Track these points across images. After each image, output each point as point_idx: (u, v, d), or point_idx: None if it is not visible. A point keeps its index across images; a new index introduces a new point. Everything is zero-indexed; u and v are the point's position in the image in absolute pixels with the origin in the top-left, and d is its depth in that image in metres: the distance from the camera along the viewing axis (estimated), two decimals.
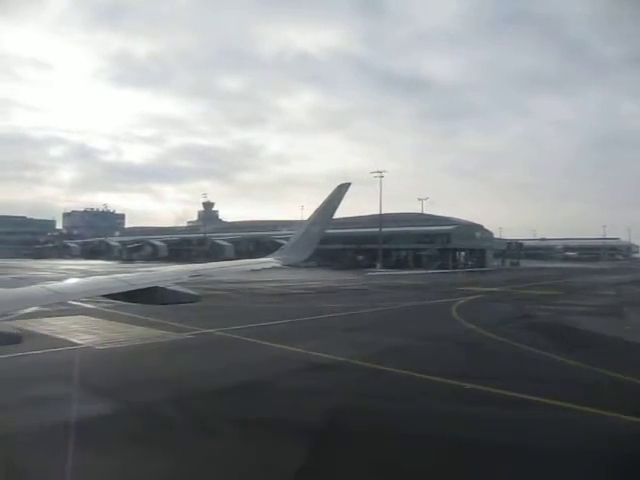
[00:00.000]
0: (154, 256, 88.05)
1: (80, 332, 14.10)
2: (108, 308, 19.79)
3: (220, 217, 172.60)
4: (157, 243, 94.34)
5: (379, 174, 68.50)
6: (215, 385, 9.15)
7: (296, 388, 9.02)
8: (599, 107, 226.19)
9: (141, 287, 4.07)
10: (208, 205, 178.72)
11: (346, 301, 25.08)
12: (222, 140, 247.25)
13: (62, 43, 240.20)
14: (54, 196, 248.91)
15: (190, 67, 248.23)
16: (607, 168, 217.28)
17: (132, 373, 9.94)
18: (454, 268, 68.79)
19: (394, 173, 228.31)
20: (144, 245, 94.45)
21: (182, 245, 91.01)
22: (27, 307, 3.98)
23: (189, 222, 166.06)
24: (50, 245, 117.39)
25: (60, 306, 18.20)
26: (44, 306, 12.70)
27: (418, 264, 69.19)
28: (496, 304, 24.70)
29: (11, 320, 5.95)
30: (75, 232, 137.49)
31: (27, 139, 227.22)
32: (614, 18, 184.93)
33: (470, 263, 76.32)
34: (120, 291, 3.98)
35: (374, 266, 67.81)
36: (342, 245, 74.00)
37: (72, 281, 4.41)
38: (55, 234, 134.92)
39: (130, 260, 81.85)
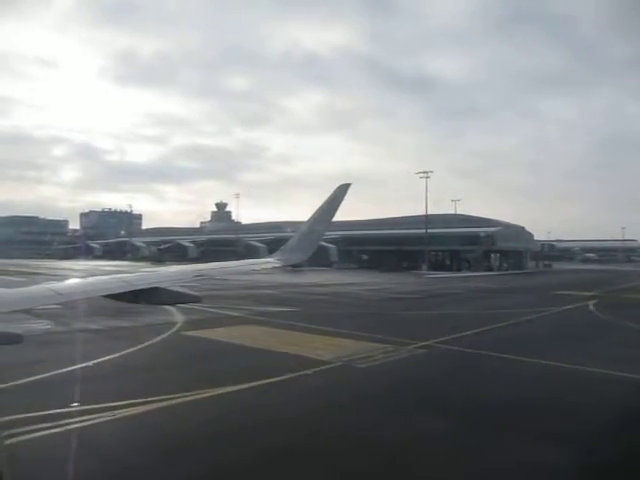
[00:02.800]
0: (184, 257, 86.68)
1: (300, 346, 12.85)
2: (252, 315, 18.80)
3: (233, 217, 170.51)
4: (186, 244, 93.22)
5: (425, 174, 67.35)
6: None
7: None
8: (611, 107, 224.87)
9: (142, 287, 4.02)
10: (221, 206, 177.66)
11: (479, 307, 23.75)
12: (226, 140, 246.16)
13: (67, 41, 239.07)
14: (56, 196, 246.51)
15: (196, 66, 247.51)
16: (616, 169, 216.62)
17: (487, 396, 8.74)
18: (491, 270, 67.84)
19: (398, 174, 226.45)
20: (174, 246, 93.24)
21: (211, 246, 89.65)
22: (28, 307, 3.80)
23: (202, 223, 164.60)
24: (70, 246, 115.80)
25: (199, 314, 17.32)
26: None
27: (458, 266, 68.10)
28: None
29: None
30: (92, 232, 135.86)
31: (30, 138, 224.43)
32: (623, 18, 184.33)
33: (505, 265, 75.29)
34: (121, 291, 3.92)
35: (415, 268, 66.61)
36: (381, 247, 72.93)
37: (73, 281, 4.36)
38: (77, 234, 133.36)
39: (161, 261, 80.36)
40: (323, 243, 77.78)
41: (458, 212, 75.88)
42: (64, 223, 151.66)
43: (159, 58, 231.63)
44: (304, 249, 6.05)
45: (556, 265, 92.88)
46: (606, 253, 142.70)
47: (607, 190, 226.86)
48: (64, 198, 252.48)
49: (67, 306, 19.32)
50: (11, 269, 49.74)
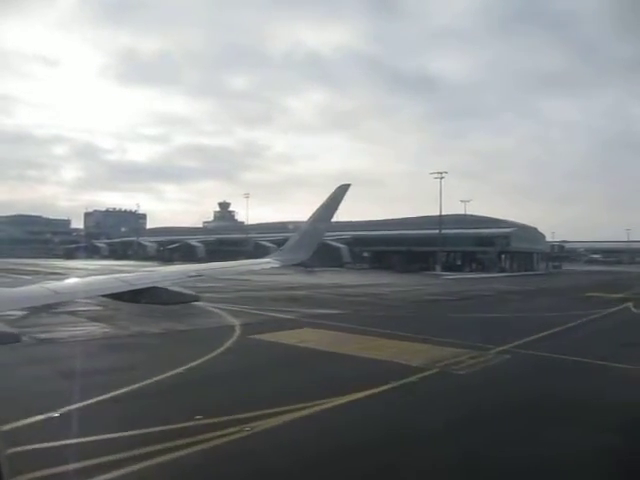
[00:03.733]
0: (192, 257, 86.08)
1: (380, 351, 12.42)
2: (303, 317, 18.39)
3: (236, 217, 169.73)
4: (194, 243, 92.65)
5: (439, 175, 66.95)
6: None
7: None
8: (614, 108, 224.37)
9: (141, 287, 3.98)
10: (224, 205, 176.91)
11: (521, 310, 23.34)
12: (228, 139, 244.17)
13: (69, 40, 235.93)
14: (56, 195, 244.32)
15: (198, 65, 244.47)
16: (621, 170, 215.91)
17: None
18: (504, 271, 67.44)
19: (400, 174, 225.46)
20: (182, 245, 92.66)
21: (219, 245, 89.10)
22: (26, 306, 3.82)
23: (205, 222, 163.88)
24: (76, 245, 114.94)
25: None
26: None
27: (471, 267, 67.75)
28: None
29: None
30: (96, 232, 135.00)
31: (31, 137, 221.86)
32: (626, 19, 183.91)
33: (515, 266, 74.98)
34: (120, 291, 3.91)
35: (426, 269, 66.18)
36: (393, 247, 72.52)
37: (71, 281, 4.32)
38: (82, 234, 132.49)
39: (170, 261, 79.82)
40: (334, 243, 77.43)
41: (458, 212, 75.07)
42: (67, 222, 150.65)
43: (161, 57, 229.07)
44: (304, 249, 6.00)
45: (563, 266, 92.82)
46: (611, 254, 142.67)
47: (611, 191, 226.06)
48: (64, 197, 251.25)
49: (107, 307, 19.02)
50: (28, 269, 49.15)
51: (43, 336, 13.55)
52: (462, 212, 74.62)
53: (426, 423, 7.40)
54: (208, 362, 10.71)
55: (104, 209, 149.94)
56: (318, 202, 6.15)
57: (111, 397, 7.98)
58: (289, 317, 18.51)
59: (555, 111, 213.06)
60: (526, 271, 71.79)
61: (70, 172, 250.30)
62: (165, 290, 4.10)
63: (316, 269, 66.33)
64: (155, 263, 74.52)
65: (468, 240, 68.18)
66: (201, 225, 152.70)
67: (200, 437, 6.36)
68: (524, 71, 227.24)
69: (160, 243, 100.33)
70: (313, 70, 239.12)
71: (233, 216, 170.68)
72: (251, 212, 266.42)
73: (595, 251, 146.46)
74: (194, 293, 4.43)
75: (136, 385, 8.63)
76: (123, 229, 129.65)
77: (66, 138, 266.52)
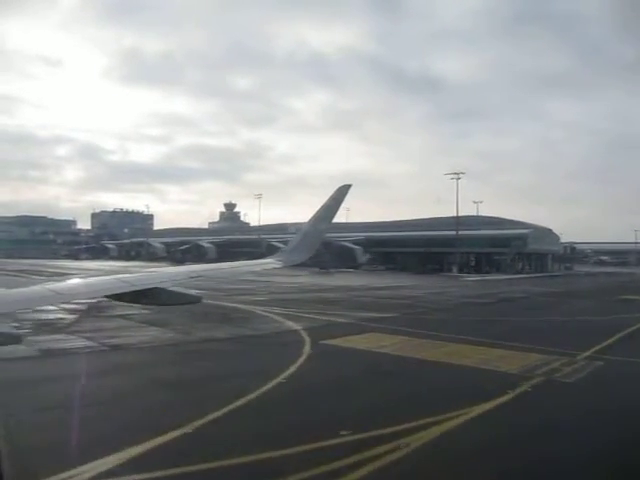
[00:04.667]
0: (202, 257, 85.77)
1: (466, 358, 12.04)
2: (358, 321, 17.99)
3: (242, 218, 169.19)
4: (205, 244, 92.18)
5: (456, 175, 66.49)
6: None
7: None
8: (618, 109, 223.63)
9: (142, 288, 3.97)
10: (230, 206, 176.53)
11: (568, 313, 22.92)
12: (230, 140, 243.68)
13: (71, 40, 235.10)
14: (59, 196, 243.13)
15: (201, 66, 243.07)
16: (626, 171, 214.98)
17: None
18: (520, 273, 66.97)
19: (403, 175, 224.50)
20: (192, 246, 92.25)
21: (230, 246, 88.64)
22: (28, 307, 3.97)
23: (210, 223, 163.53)
24: (85, 246, 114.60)
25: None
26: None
27: (488, 268, 67.25)
28: None
29: None
30: (103, 232, 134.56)
31: (33, 138, 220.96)
32: (629, 20, 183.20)
33: (528, 268, 74.50)
34: (121, 291, 3.89)
35: (441, 270, 65.81)
36: (408, 249, 72.08)
37: (73, 281, 4.29)
38: (90, 234, 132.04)
39: (182, 262, 79.49)
40: (349, 245, 77.08)
41: (465, 214, 74.41)
42: (72, 223, 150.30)
43: (164, 57, 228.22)
44: (305, 250, 6.03)
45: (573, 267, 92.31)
46: (619, 256, 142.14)
47: (618, 192, 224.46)
48: (66, 198, 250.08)
49: (151, 310, 18.61)
50: (43, 270, 48.76)
51: (113, 342, 13.18)
52: (468, 213, 74.02)
53: (600, 436, 6.97)
54: (302, 371, 10.30)
55: (111, 210, 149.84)
56: (320, 202, 6.21)
57: (230, 410, 7.56)
58: (344, 321, 18.09)
59: (559, 112, 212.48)
60: (540, 272, 71.34)
61: (72, 173, 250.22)
62: (166, 291, 4.09)
63: (331, 270, 66.23)
64: (166, 264, 74.26)
65: (485, 241, 67.60)
66: (207, 226, 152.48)
67: (360, 456, 5.96)
68: (528, 72, 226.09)
69: (169, 244, 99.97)
70: (316, 70, 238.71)
71: (239, 217, 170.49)
72: (255, 213, 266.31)
73: (602, 252, 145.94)
74: (196, 294, 4.45)
75: (250, 396, 8.23)
76: (127, 230, 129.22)
77: (68, 138, 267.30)
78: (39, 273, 42.29)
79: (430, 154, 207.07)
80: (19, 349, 12.00)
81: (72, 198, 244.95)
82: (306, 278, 48.96)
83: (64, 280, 4.33)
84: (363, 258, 73.10)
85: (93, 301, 17.90)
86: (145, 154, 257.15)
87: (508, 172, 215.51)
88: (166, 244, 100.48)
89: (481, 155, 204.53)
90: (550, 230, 76.08)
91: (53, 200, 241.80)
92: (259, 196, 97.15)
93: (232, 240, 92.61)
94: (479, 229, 70.35)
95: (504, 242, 66.21)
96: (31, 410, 7.31)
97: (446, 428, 6.97)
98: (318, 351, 12.32)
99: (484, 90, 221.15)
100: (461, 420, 7.33)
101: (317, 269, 64.16)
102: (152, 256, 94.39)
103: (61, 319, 17.31)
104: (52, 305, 18.35)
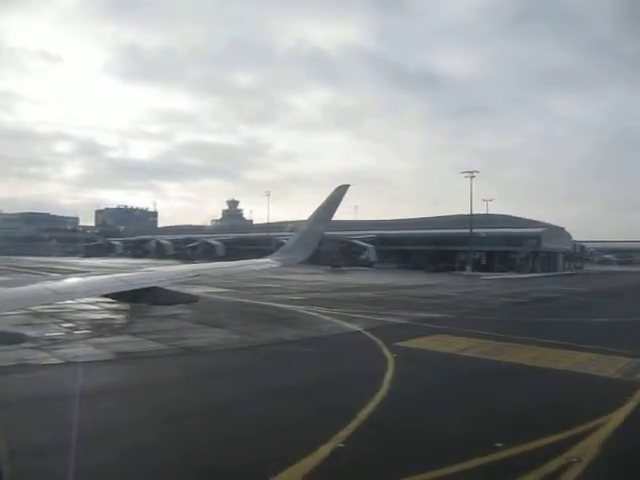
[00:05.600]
0: (211, 255, 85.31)
1: (561, 362, 11.63)
2: (413, 322, 17.61)
3: (245, 216, 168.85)
4: (214, 242, 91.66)
5: (470, 174, 66.10)
6: None
7: None
8: (623, 105, 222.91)
9: (140, 287, 3.99)
10: (233, 203, 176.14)
11: (618, 313, 22.47)
12: (230, 137, 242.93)
13: (71, 36, 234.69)
14: (58, 193, 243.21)
15: (202, 62, 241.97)
16: (628, 169, 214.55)
17: None
18: (534, 271, 66.65)
19: (405, 172, 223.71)
20: (201, 244, 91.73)
21: (239, 244, 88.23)
22: (27, 307, 4.18)
23: (213, 220, 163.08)
24: (94, 243, 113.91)
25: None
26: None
27: (502, 267, 66.87)
28: None
29: None
30: (108, 230, 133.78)
31: (33, 134, 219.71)
32: (633, 16, 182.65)
33: (539, 266, 74.16)
34: (119, 291, 3.93)
35: (453, 269, 65.43)
36: (420, 247, 71.68)
37: (72, 280, 4.33)
38: (96, 232, 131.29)
39: (191, 259, 79.07)
40: (361, 243, 76.74)
41: (468, 212, 73.79)
42: (75, 220, 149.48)
43: (164, 54, 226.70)
44: (303, 249, 6.06)
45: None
46: (622, 254, 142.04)
47: (622, 190, 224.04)
48: (66, 195, 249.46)
49: (197, 310, 18.25)
50: (62, 268, 48.30)
51: (183, 344, 12.79)
52: (474, 211, 73.48)
53: None
54: (405, 374, 9.88)
55: (115, 207, 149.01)
56: (320, 200, 6.21)
57: (383, 415, 7.19)
58: (399, 322, 17.71)
59: (561, 109, 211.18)
60: (552, 271, 71.07)
61: (72, 169, 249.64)
62: (164, 290, 4.09)
63: (343, 268, 65.90)
64: (177, 262, 73.83)
65: (500, 240, 67.15)
66: (210, 223, 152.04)
67: (539, 474, 5.59)
68: (530, 69, 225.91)
69: (176, 242, 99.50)
70: (317, 67, 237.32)
71: (241, 215, 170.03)
72: (256, 210, 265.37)
73: (605, 251, 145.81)
74: (194, 294, 4.43)
75: (387, 399, 7.87)
76: (135, 227, 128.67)
77: (68, 135, 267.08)
78: (55, 271, 41.83)
79: (432, 151, 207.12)
80: (92, 352, 11.66)
81: (72, 195, 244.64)
82: (324, 276, 48.62)
83: (62, 279, 4.39)
84: (375, 257, 72.75)
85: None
86: (145, 151, 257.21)
87: (510, 169, 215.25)
88: (173, 241, 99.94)
89: (483, 152, 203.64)
90: (562, 229, 75.80)
91: (53, 197, 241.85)
92: (268, 193, 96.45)
93: (241, 238, 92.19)
94: (490, 227, 69.98)
95: (519, 241, 65.87)
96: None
97: (603, 437, 6.60)
98: (401, 354, 11.87)
99: (486, 87, 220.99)
100: (609, 428, 6.96)
101: (329, 267, 63.89)
102: (159, 254, 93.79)
103: (112, 319, 16.92)
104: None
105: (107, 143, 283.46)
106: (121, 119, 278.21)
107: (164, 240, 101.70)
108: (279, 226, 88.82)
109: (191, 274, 4.88)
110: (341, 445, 6.14)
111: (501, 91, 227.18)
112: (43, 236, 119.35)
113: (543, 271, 70.91)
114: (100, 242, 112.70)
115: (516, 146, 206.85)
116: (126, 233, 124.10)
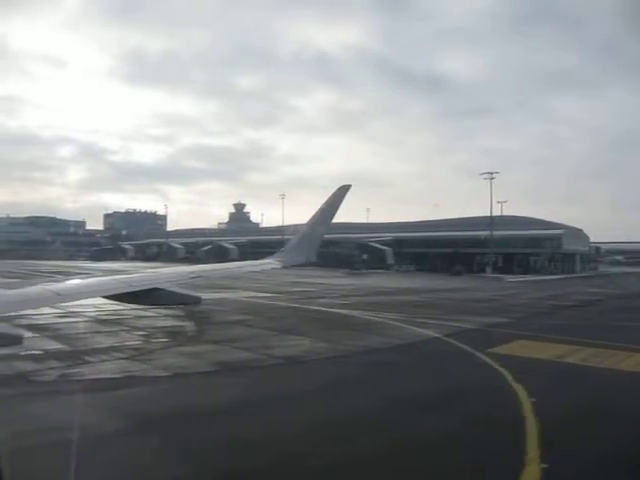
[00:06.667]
0: (225, 258, 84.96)
1: None
2: (484, 327, 17.29)
3: (251, 219, 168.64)
4: (227, 245, 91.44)
5: (490, 175, 65.77)
6: None
7: None
8: (626, 106, 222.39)
9: (141, 288, 3.97)
10: (239, 206, 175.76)
11: None
12: (234, 140, 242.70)
13: (75, 40, 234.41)
14: (61, 196, 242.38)
15: (205, 66, 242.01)
16: (634, 169, 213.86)
17: None
18: (554, 273, 66.21)
19: (408, 174, 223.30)
20: (214, 247, 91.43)
21: (252, 247, 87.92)
22: (27, 308, 3.81)
23: (220, 223, 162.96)
24: (103, 247, 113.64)
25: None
26: None
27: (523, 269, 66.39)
28: None
29: None
30: (119, 233, 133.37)
31: (37, 138, 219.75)
32: (636, 18, 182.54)
33: (557, 268, 73.71)
34: (120, 292, 3.90)
35: (471, 271, 65.06)
36: (439, 249, 71.30)
37: (72, 282, 4.32)
38: (106, 235, 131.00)
39: (206, 263, 78.61)
40: (379, 246, 76.32)
41: (478, 214, 73.48)
42: (82, 224, 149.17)
43: (167, 57, 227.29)
44: (304, 251, 6.07)
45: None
46: (631, 255, 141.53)
47: (628, 191, 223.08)
48: (69, 199, 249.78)
49: (263, 317, 17.99)
50: (78, 272, 47.95)
51: (275, 353, 12.46)
52: (478, 214, 73.01)
53: None
54: (533, 386, 9.54)
55: (123, 210, 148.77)
56: (322, 203, 6.22)
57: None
58: (471, 327, 17.34)
59: (565, 110, 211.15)
60: (570, 273, 70.66)
61: (75, 173, 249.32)
62: (166, 292, 4.06)
63: (363, 271, 65.58)
64: (190, 265, 73.39)
65: (520, 242, 66.81)
66: (215, 226, 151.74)
67: None
68: (534, 70, 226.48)
69: (186, 244, 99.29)
70: (321, 70, 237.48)
71: (248, 217, 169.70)
72: (258, 213, 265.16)
73: (614, 252, 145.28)
74: (195, 295, 4.40)
75: (531, 413, 7.55)
76: (144, 231, 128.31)
77: (72, 139, 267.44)
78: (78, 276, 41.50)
79: (436, 153, 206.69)
80: (190, 362, 11.30)
81: (75, 199, 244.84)
82: (349, 279, 48.37)
83: (63, 280, 4.38)
84: (392, 259, 72.51)
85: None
86: (148, 154, 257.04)
87: (512, 170, 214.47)
88: (184, 245, 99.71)
89: (487, 153, 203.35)
90: (580, 230, 75.49)
91: (56, 201, 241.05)
92: (282, 196, 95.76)
93: (253, 240, 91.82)
94: (506, 229, 69.61)
95: (539, 242, 65.63)
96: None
97: None
98: (504, 363, 11.51)
99: (489, 89, 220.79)
100: None
101: (347, 270, 63.62)
102: (171, 257, 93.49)
103: (179, 326, 16.61)
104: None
105: (111, 147, 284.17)
106: (125, 123, 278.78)
107: (175, 243, 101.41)
108: (280, 229, 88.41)
109: (191, 275, 4.88)
110: (544, 466, 5.84)
111: (504, 93, 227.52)
112: (51, 240, 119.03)
113: (562, 273, 70.59)
114: (111, 246, 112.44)
115: (520, 148, 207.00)
116: (136, 237, 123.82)
